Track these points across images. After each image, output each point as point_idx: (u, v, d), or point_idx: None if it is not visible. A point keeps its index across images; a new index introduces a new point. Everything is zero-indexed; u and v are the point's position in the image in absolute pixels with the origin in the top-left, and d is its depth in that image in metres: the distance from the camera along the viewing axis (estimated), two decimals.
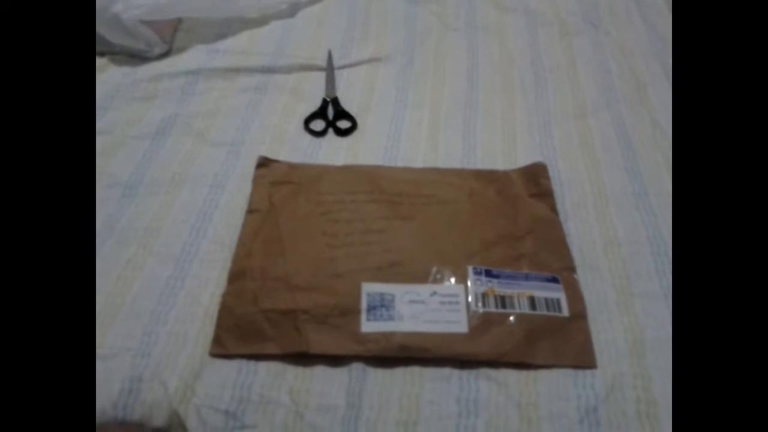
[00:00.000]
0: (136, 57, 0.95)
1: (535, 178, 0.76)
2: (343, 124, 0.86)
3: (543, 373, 0.58)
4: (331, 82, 0.92)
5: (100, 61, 0.94)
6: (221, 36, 1.00)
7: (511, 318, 0.60)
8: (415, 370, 0.58)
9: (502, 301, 0.61)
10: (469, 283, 0.63)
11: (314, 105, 0.88)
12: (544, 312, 0.61)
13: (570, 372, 0.58)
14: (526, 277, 0.64)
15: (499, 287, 0.63)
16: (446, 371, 0.58)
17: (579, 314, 0.62)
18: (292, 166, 0.77)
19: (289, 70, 0.94)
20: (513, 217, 0.70)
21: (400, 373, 0.58)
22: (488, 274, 0.64)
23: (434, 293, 0.62)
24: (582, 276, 0.66)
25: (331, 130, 0.85)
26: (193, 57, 0.96)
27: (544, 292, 0.63)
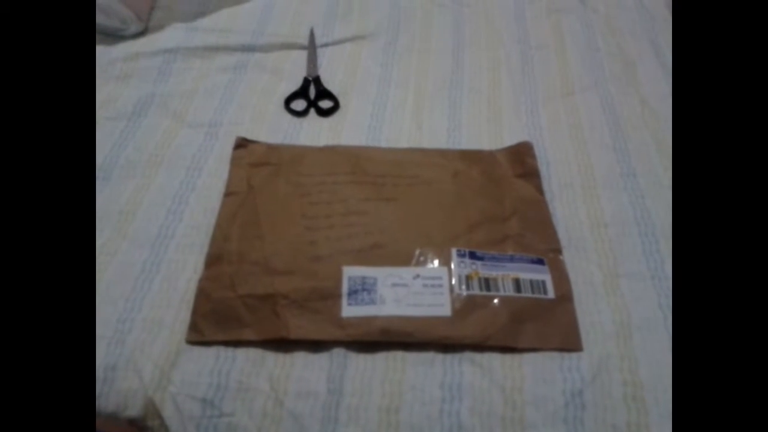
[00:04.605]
0: (111, 35, 0.92)
1: (521, 157, 0.74)
2: (325, 104, 0.83)
3: (528, 357, 0.57)
4: (312, 60, 0.90)
5: None
6: (199, 14, 0.97)
7: (496, 300, 0.59)
8: (398, 355, 0.57)
9: (487, 283, 0.60)
10: (452, 266, 0.61)
11: (295, 84, 0.86)
12: (530, 294, 0.60)
13: (556, 355, 0.57)
14: (511, 259, 0.63)
15: (483, 269, 0.61)
16: (429, 355, 0.57)
17: (565, 296, 0.61)
18: (271, 147, 0.75)
19: (269, 48, 0.92)
20: (498, 198, 0.69)
21: (382, 357, 0.57)
22: (472, 256, 0.62)
23: (417, 276, 0.60)
24: (568, 257, 0.65)
25: (312, 110, 0.83)
26: (171, 35, 0.93)
27: (530, 273, 0.61)
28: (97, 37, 0.91)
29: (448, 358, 0.57)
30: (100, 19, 0.89)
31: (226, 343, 0.57)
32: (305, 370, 0.56)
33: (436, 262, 0.61)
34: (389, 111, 0.83)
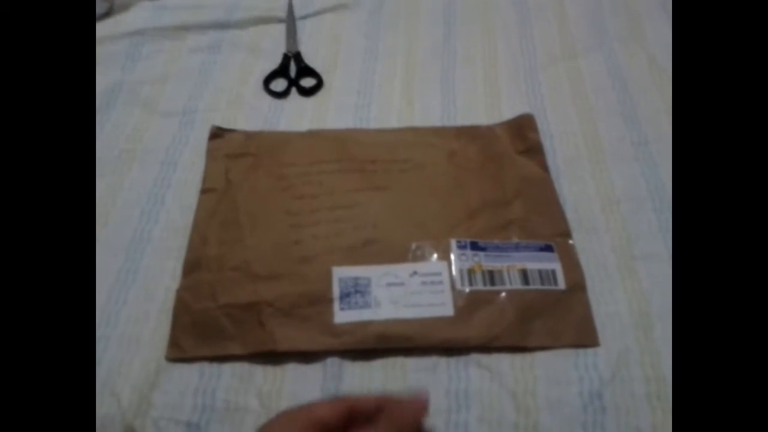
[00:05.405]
0: None
1: (523, 131, 0.68)
2: (308, 82, 0.77)
3: (540, 356, 0.52)
4: (292, 34, 0.83)
5: None
6: None
7: (502, 295, 0.54)
8: (397, 362, 0.52)
9: (491, 276, 0.55)
10: (452, 259, 0.56)
11: (274, 62, 0.80)
12: (539, 286, 0.55)
13: (570, 352, 0.52)
14: (517, 248, 0.57)
15: (486, 261, 0.56)
16: (432, 360, 0.52)
17: (577, 285, 0.56)
18: (250, 135, 0.69)
19: (245, 24, 0.86)
20: (499, 179, 0.63)
21: (379, 365, 0.52)
22: (474, 246, 0.57)
23: (414, 273, 0.55)
24: (578, 240, 0.60)
25: (294, 90, 0.77)
26: (137, 15, 0.87)
27: (538, 263, 0.56)
28: None
29: (453, 362, 0.52)
30: None
31: (210, 359, 0.52)
32: (297, 383, 0.51)
33: (434, 256, 0.56)
34: (377, 87, 0.77)
